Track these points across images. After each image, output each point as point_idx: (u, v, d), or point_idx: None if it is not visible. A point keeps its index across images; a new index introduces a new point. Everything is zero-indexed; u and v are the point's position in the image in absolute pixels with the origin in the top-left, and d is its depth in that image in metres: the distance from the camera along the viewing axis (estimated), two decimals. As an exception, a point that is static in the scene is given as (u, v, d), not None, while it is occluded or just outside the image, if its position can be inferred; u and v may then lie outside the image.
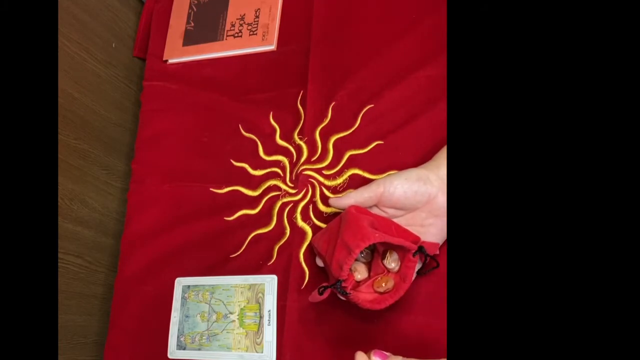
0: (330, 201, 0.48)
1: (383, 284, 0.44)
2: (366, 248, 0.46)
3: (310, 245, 0.54)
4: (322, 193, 0.55)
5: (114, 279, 0.63)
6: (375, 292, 0.44)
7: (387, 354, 0.37)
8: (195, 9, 0.71)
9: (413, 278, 0.43)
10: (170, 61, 0.70)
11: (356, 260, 0.46)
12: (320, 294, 0.43)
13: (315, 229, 0.54)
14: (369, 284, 0.45)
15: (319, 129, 0.58)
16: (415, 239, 0.43)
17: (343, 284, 0.42)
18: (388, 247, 0.45)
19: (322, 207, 0.55)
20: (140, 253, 0.62)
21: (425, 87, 0.54)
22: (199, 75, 0.67)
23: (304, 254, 0.53)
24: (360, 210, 0.45)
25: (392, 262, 0.44)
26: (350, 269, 0.43)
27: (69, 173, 0.64)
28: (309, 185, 0.56)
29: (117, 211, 0.73)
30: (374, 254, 0.46)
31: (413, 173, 0.44)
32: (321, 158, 0.57)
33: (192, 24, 0.70)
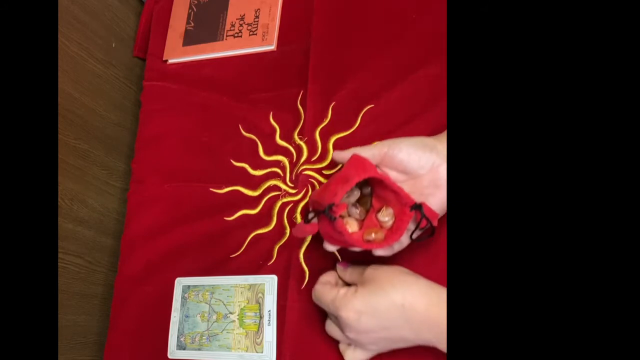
0: (334, 154, 0.47)
1: (373, 234, 0.43)
2: (361, 206, 0.45)
3: (309, 246, 0.54)
4: (322, 193, 0.55)
5: (114, 279, 0.63)
6: (364, 240, 0.43)
7: (348, 264, 0.47)
8: (195, 9, 0.71)
9: (406, 238, 0.43)
10: (170, 61, 0.70)
11: (349, 216, 0.45)
12: (307, 222, 0.41)
13: (315, 229, 0.54)
14: (358, 234, 0.44)
15: (319, 129, 0.58)
16: (413, 201, 0.42)
17: (334, 208, 0.40)
18: (384, 204, 0.44)
19: (322, 207, 0.55)
20: (140, 253, 0.62)
21: (425, 87, 0.54)
22: (199, 75, 0.67)
23: (304, 254, 0.53)
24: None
25: (386, 216, 0.43)
26: (342, 215, 0.41)
27: (69, 173, 0.64)
28: (309, 185, 0.56)
29: (117, 211, 0.73)
30: (368, 212, 0.45)
31: (420, 139, 0.44)
32: (321, 158, 0.57)
33: (192, 24, 0.70)
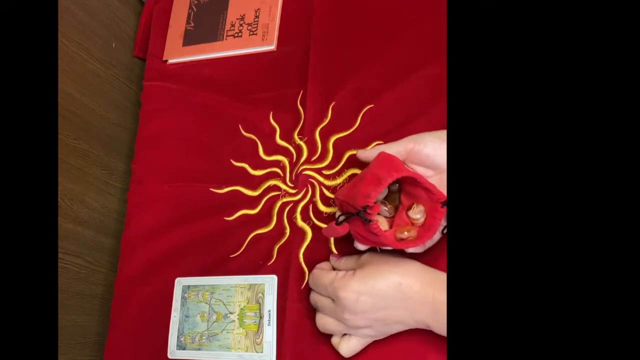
0: (359, 153, 0.48)
1: (405, 232, 0.42)
2: (390, 204, 0.45)
3: (309, 246, 0.54)
4: (322, 193, 0.55)
5: (114, 279, 0.63)
6: (397, 239, 0.43)
7: (339, 255, 0.49)
8: (195, 9, 0.71)
9: (438, 233, 0.42)
10: (170, 61, 0.70)
11: (378, 214, 0.44)
12: (339, 224, 0.41)
13: (315, 229, 0.54)
14: (390, 232, 0.43)
15: (319, 129, 0.58)
16: (445, 197, 0.42)
17: (368, 210, 0.40)
18: (414, 202, 0.43)
19: (322, 207, 0.55)
20: (140, 253, 0.62)
21: (425, 87, 0.54)
22: (199, 75, 0.67)
23: (304, 253, 0.53)
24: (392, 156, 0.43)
25: (417, 214, 0.42)
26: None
27: (69, 173, 0.64)
28: (308, 185, 0.56)
29: (117, 211, 0.73)
30: (398, 209, 0.45)
31: (445, 132, 0.43)
32: (321, 158, 0.57)
33: (192, 24, 0.70)
